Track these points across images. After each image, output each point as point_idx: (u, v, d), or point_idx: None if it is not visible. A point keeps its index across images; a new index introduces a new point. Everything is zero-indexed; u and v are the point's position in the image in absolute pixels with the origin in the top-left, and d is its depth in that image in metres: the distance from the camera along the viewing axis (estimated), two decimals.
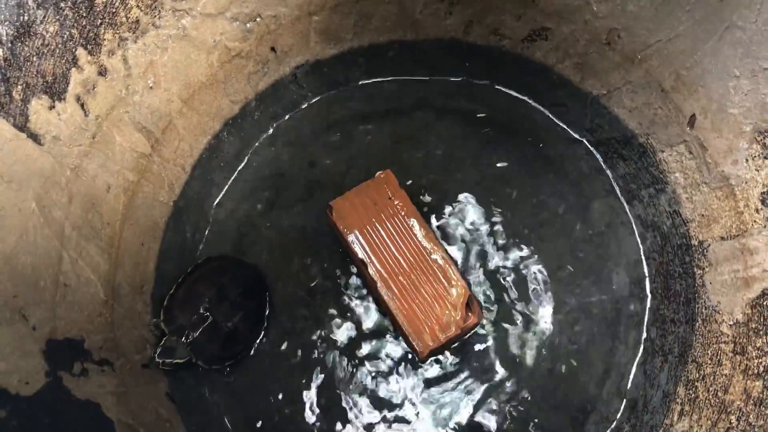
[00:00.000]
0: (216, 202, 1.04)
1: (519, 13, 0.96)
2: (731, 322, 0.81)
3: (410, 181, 1.05)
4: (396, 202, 0.97)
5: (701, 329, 0.86)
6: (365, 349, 0.97)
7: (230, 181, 1.05)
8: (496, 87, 1.07)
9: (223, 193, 1.05)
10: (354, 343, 0.97)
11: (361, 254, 0.94)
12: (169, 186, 0.97)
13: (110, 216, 0.88)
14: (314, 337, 0.98)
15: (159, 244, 0.97)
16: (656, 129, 0.93)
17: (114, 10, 0.81)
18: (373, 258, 0.94)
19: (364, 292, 0.99)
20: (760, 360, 0.75)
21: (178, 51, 0.90)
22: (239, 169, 1.06)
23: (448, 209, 1.03)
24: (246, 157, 1.06)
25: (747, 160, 0.80)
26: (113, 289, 0.88)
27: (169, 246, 0.98)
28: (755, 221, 0.79)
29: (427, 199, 1.04)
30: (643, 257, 0.98)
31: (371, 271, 0.93)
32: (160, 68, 0.89)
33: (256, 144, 1.07)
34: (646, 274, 0.97)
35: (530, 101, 1.06)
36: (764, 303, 0.77)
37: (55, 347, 0.77)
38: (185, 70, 0.92)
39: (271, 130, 1.08)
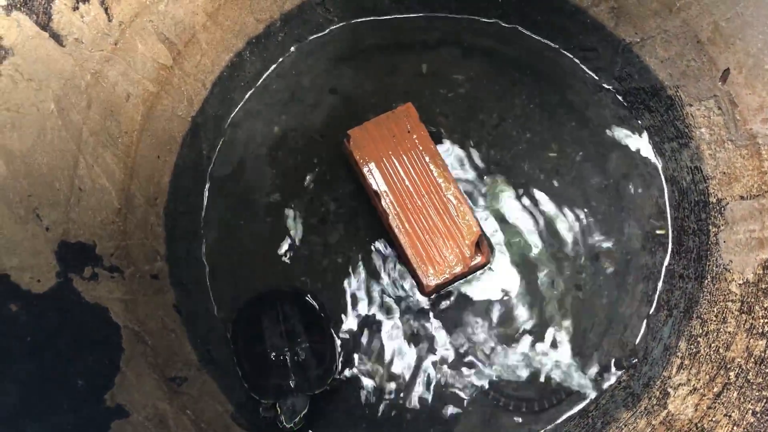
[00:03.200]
0: (233, 121, 1.03)
1: None
2: (741, 281, 0.81)
3: (430, 117, 1.03)
4: (414, 137, 0.96)
5: (709, 286, 0.85)
6: (371, 277, 0.97)
7: (249, 101, 1.04)
8: (525, 31, 1.05)
9: (241, 112, 1.04)
10: (359, 272, 0.97)
11: (375, 186, 0.94)
12: (188, 101, 0.96)
13: (128, 125, 0.87)
14: (324, 263, 0.98)
15: (174, 158, 0.97)
16: (687, 82, 0.91)
17: None
18: (387, 190, 0.93)
19: (377, 223, 0.99)
20: (765, 320, 0.75)
21: None
22: (258, 89, 1.05)
23: (466, 149, 1.02)
24: (267, 78, 1.05)
25: None
26: (127, 199, 0.88)
27: (184, 161, 0.98)
28: None
29: (446, 135, 1.03)
30: (664, 211, 0.97)
31: (384, 203, 0.93)
32: None
33: (278, 66, 1.06)
34: (667, 228, 0.96)
35: (559, 47, 1.04)
36: None
37: (67, 249, 0.78)
38: None
39: (294, 53, 1.06)
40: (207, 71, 0.97)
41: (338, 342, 0.95)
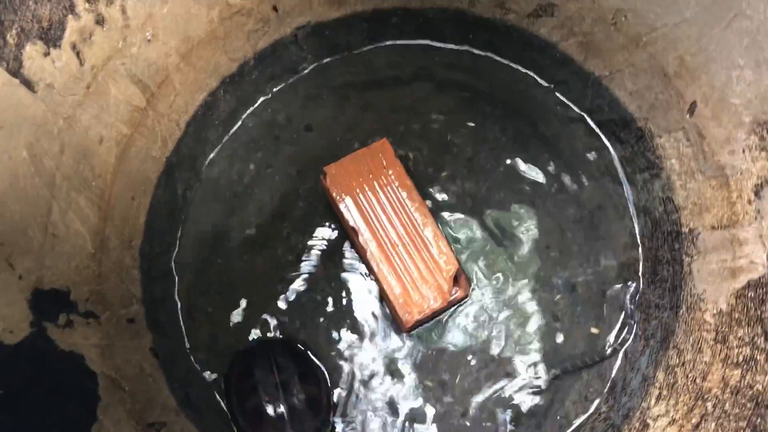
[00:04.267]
0: (209, 160, 1.03)
1: None
2: (715, 311, 0.82)
3: (405, 152, 1.04)
4: (390, 172, 0.96)
5: (685, 316, 0.87)
6: (350, 315, 0.97)
7: (224, 139, 1.04)
8: (497, 60, 1.06)
9: (216, 151, 1.04)
10: (339, 309, 0.97)
11: (352, 222, 0.94)
12: (163, 141, 0.96)
13: (102, 168, 0.87)
14: (302, 300, 0.98)
15: (150, 198, 0.96)
16: (656, 114, 0.92)
17: None
18: (364, 226, 0.94)
19: (354, 259, 0.99)
20: (740, 350, 0.76)
21: (178, 4, 0.88)
22: (234, 128, 1.05)
23: (441, 182, 1.03)
24: (241, 117, 1.05)
25: (744, 151, 0.80)
26: (102, 242, 0.87)
27: (159, 201, 0.97)
28: (747, 212, 0.80)
29: (421, 170, 1.03)
30: (637, 240, 0.98)
31: (361, 239, 0.93)
32: (159, 21, 0.87)
33: (253, 104, 1.06)
34: (638, 258, 0.97)
35: (533, 76, 1.05)
36: (749, 294, 0.77)
37: (41, 297, 0.77)
38: (185, 24, 0.91)
39: (268, 91, 1.06)
40: (181, 111, 0.97)
41: (332, 389, 0.94)
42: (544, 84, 1.05)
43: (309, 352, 0.94)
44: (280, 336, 0.95)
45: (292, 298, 0.98)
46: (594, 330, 0.95)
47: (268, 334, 0.96)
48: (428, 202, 1.01)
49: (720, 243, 0.83)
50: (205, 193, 1.03)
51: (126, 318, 0.89)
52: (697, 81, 0.85)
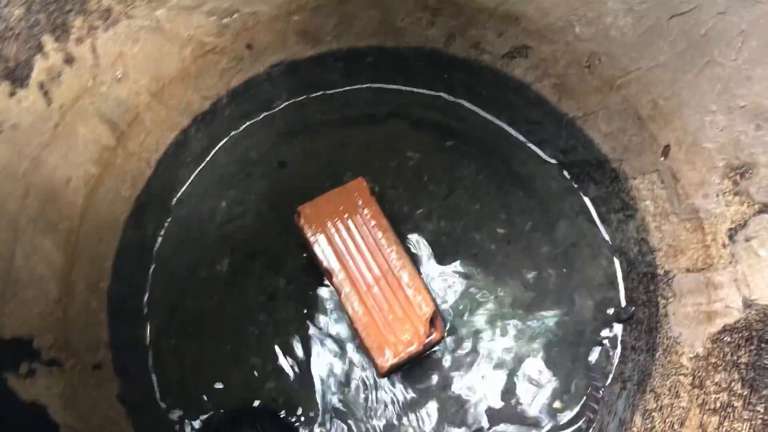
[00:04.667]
0: (179, 199, 1.01)
1: (501, 29, 0.95)
2: (692, 355, 0.81)
3: (381, 190, 1.03)
4: (366, 212, 0.95)
5: (661, 359, 0.86)
6: (325, 358, 0.95)
7: (195, 177, 1.02)
8: (472, 105, 1.06)
9: (187, 189, 1.02)
10: (312, 352, 0.95)
11: (326, 263, 0.92)
12: (132, 180, 0.94)
13: (69, 210, 0.84)
14: (274, 343, 0.95)
15: (118, 239, 0.94)
16: (630, 156, 0.93)
17: None
18: (338, 267, 0.92)
19: (329, 300, 0.97)
20: (717, 395, 0.76)
21: (150, 43, 0.87)
22: (205, 165, 1.03)
23: (416, 221, 1.02)
24: (214, 154, 1.04)
25: (717, 195, 0.81)
26: (67, 286, 0.84)
27: (128, 242, 0.95)
28: (721, 256, 0.80)
29: (397, 208, 1.03)
30: (614, 281, 0.98)
31: (336, 280, 0.91)
32: (130, 60, 0.86)
33: (225, 141, 1.04)
34: (613, 298, 0.97)
35: (503, 122, 1.06)
36: (725, 339, 0.77)
37: (1, 347, 0.74)
38: (156, 62, 0.89)
39: (241, 128, 1.05)
40: (151, 150, 0.95)
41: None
42: (517, 126, 1.05)
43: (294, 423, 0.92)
44: (258, 402, 0.93)
45: (264, 341, 0.96)
46: (556, 405, 0.94)
47: (242, 384, 0.93)
48: (404, 241, 1.00)
49: (695, 286, 0.83)
50: (176, 232, 1.00)
51: (92, 364, 0.86)
52: (670, 124, 0.86)
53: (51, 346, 0.81)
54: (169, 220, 1.00)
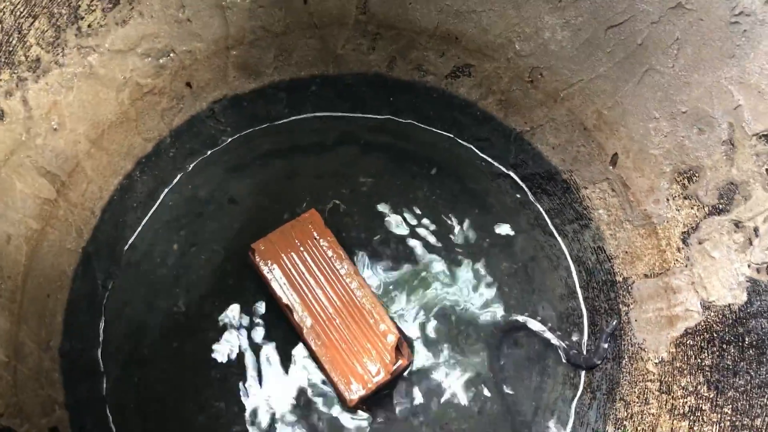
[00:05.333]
0: (129, 245, 0.98)
1: (442, 49, 0.95)
2: (657, 360, 0.82)
3: (336, 219, 1.02)
4: (322, 243, 0.94)
5: (628, 366, 0.86)
6: (292, 397, 0.93)
7: (144, 222, 0.99)
8: (420, 125, 1.06)
9: (136, 235, 0.99)
10: (278, 391, 0.93)
11: (285, 299, 0.90)
12: (78, 232, 0.90)
13: (11, 269, 0.81)
14: (239, 385, 0.93)
15: (67, 293, 0.90)
16: (579, 166, 0.93)
17: (11, 49, 0.74)
18: (298, 302, 0.90)
19: (292, 336, 0.95)
20: (685, 400, 0.76)
21: (84, 90, 0.84)
22: (153, 209, 1.00)
23: (374, 247, 1.01)
24: (161, 197, 1.01)
25: (668, 200, 0.82)
26: (15, 349, 0.81)
27: (78, 295, 0.91)
28: (677, 260, 0.81)
29: (354, 235, 1.01)
30: (575, 291, 0.98)
31: (296, 316, 0.90)
32: (65, 108, 0.83)
33: (172, 182, 1.02)
34: (576, 308, 0.97)
35: (453, 141, 1.06)
36: (688, 342, 0.78)
37: None
38: (93, 109, 0.86)
39: (188, 167, 1.03)
40: (95, 198, 0.92)
41: None
42: (466, 143, 1.05)
43: None
44: None
45: (228, 383, 0.93)
46: (528, 419, 0.94)
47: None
48: (363, 268, 0.99)
49: (654, 291, 0.84)
50: (128, 281, 0.97)
51: (48, 427, 0.82)
52: (616, 133, 0.86)
53: (2, 414, 0.77)
54: (119, 268, 0.97)
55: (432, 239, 1.02)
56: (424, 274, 1.00)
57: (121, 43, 0.84)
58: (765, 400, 0.68)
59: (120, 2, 0.81)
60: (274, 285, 0.91)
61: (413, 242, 1.01)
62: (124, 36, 0.84)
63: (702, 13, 0.72)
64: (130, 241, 0.98)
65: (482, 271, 1.00)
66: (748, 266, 0.72)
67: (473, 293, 0.99)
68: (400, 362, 0.90)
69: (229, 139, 1.04)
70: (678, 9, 0.74)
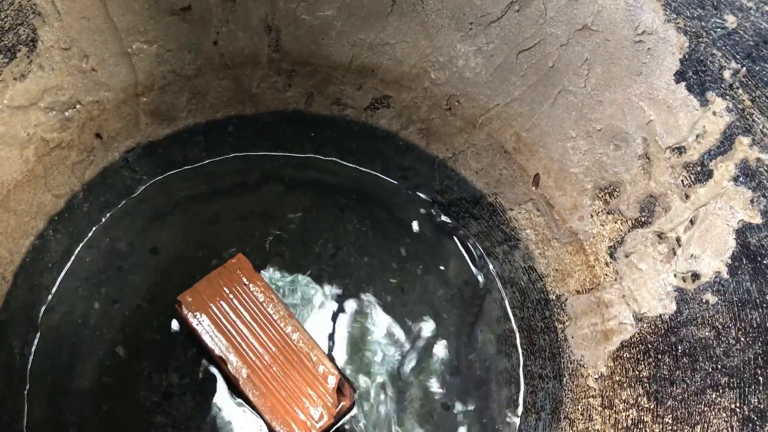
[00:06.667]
0: (46, 308, 0.93)
1: (359, 82, 0.94)
2: (596, 376, 0.83)
3: (265, 260, 0.99)
4: (252, 288, 0.91)
5: (569, 384, 0.87)
6: None
7: (60, 282, 0.94)
8: (343, 160, 1.05)
9: (53, 296, 0.93)
10: None
11: (218, 351, 0.87)
12: None
13: None
14: None
15: None
16: (503, 188, 0.94)
17: None
18: (231, 353, 0.87)
19: (227, 390, 0.92)
20: (627, 413, 0.77)
21: None
22: (70, 267, 0.95)
23: (306, 287, 0.99)
24: (78, 254, 0.96)
25: (591, 216, 0.83)
26: None
27: None
28: (606, 275, 0.82)
29: (285, 277, 0.99)
30: (509, 313, 0.99)
31: (231, 368, 0.86)
32: None
33: (88, 237, 0.97)
34: (514, 329, 0.98)
35: (377, 172, 1.06)
36: (625, 355, 0.79)
37: None
38: None
39: (103, 220, 0.98)
40: (6, 263, 0.87)
41: None
42: (390, 173, 1.05)
43: None
44: None
45: None
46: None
47: None
48: (296, 310, 0.96)
49: (587, 307, 0.85)
50: (48, 345, 0.92)
51: None
52: (536, 154, 0.88)
53: None
54: (38, 334, 0.91)
55: (366, 272, 1.00)
56: (359, 309, 0.98)
57: (21, 99, 0.79)
58: (702, 407, 0.69)
59: (16, 56, 0.77)
60: (205, 337, 0.87)
61: (346, 277, 1.00)
62: (24, 91, 0.80)
63: (607, 33, 0.74)
64: (46, 304, 0.93)
65: (419, 301, 0.99)
66: (674, 276, 0.74)
67: (412, 324, 0.98)
68: (342, 403, 0.88)
69: (145, 186, 1.01)
70: (585, 31, 0.76)
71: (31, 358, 0.90)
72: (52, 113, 0.84)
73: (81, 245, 0.97)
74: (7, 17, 0.73)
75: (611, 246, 0.81)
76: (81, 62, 0.83)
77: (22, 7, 0.74)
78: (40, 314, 0.92)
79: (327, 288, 0.99)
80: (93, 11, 0.81)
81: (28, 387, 0.89)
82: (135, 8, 0.83)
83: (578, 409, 0.84)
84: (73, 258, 0.96)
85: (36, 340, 0.91)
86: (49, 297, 0.94)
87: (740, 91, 0.65)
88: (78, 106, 0.86)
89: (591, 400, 0.83)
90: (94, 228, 0.98)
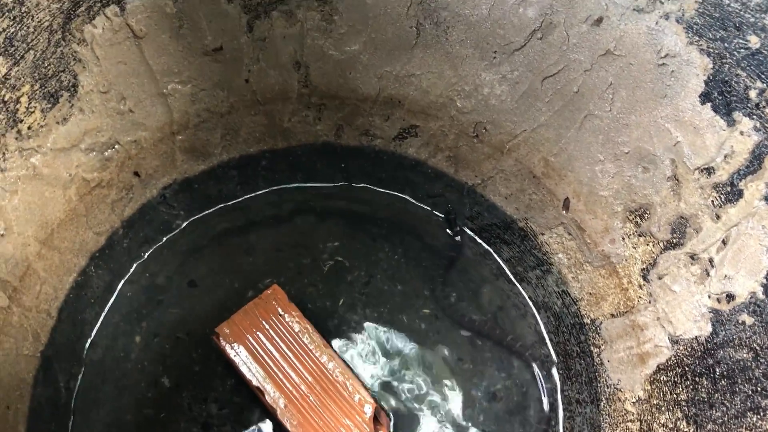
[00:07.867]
0: (89, 343, 0.95)
1: (387, 114, 0.96)
2: (634, 400, 0.82)
3: (299, 291, 1.01)
4: (287, 319, 0.92)
5: (606, 408, 0.86)
6: None
7: (103, 317, 0.97)
8: (374, 188, 1.07)
9: (96, 331, 0.96)
10: None
11: (255, 381, 0.88)
12: (34, 336, 0.88)
13: None
14: None
15: (28, 401, 0.87)
16: (533, 213, 0.95)
17: None
18: (269, 384, 0.88)
19: (266, 418, 0.93)
20: None
21: (29, 191, 0.82)
22: (112, 302, 0.98)
23: (341, 315, 1.00)
24: (119, 289, 0.99)
25: (623, 239, 0.83)
26: None
27: (39, 402, 0.88)
28: (640, 297, 0.82)
29: (319, 305, 1.00)
30: (545, 337, 0.98)
31: (268, 398, 0.87)
32: (11, 213, 0.81)
33: (129, 273, 1.00)
34: (551, 354, 0.97)
35: (407, 200, 1.07)
36: (662, 378, 0.78)
37: None
38: (40, 209, 0.85)
39: (143, 256, 1.01)
40: (50, 299, 0.90)
41: None
42: (421, 200, 1.06)
43: None
44: None
45: None
46: None
47: None
48: (332, 339, 0.97)
49: (623, 330, 0.84)
50: (92, 379, 0.94)
51: None
52: (564, 179, 0.88)
53: None
54: (82, 368, 0.94)
55: (399, 300, 1.01)
56: (394, 337, 0.99)
57: (63, 141, 0.83)
58: (743, 430, 0.68)
59: (59, 101, 0.81)
60: (243, 368, 0.89)
61: (380, 305, 1.01)
62: (66, 133, 0.83)
63: (630, 58, 0.75)
64: (90, 339, 0.96)
65: (453, 328, 0.99)
66: (709, 297, 0.73)
67: (447, 351, 0.98)
68: (380, 431, 0.89)
69: (184, 223, 1.03)
70: (608, 56, 0.76)
71: (76, 392, 0.93)
72: (93, 154, 0.87)
73: (121, 281, 0.99)
74: (50, 65, 0.77)
75: (644, 268, 0.81)
76: (119, 104, 0.87)
77: (63, 54, 0.78)
78: (84, 349, 0.95)
79: (360, 316, 1.00)
80: (130, 56, 0.84)
81: (72, 420, 0.92)
82: (170, 51, 0.87)
83: None
84: (114, 294, 0.98)
85: (81, 375, 0.94)
86: (93, 332, 0.96)
87: (767, 110, 0.65)
88: (117, 146, 0.89)
89: (629, 424, 0.82)
90: (134, 264, 1.00)
